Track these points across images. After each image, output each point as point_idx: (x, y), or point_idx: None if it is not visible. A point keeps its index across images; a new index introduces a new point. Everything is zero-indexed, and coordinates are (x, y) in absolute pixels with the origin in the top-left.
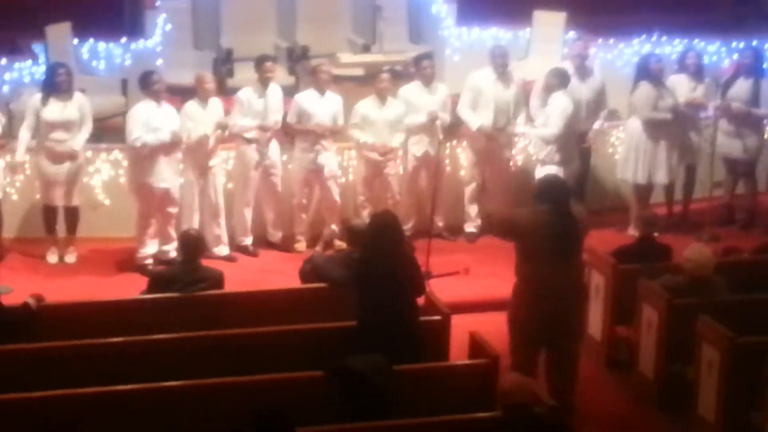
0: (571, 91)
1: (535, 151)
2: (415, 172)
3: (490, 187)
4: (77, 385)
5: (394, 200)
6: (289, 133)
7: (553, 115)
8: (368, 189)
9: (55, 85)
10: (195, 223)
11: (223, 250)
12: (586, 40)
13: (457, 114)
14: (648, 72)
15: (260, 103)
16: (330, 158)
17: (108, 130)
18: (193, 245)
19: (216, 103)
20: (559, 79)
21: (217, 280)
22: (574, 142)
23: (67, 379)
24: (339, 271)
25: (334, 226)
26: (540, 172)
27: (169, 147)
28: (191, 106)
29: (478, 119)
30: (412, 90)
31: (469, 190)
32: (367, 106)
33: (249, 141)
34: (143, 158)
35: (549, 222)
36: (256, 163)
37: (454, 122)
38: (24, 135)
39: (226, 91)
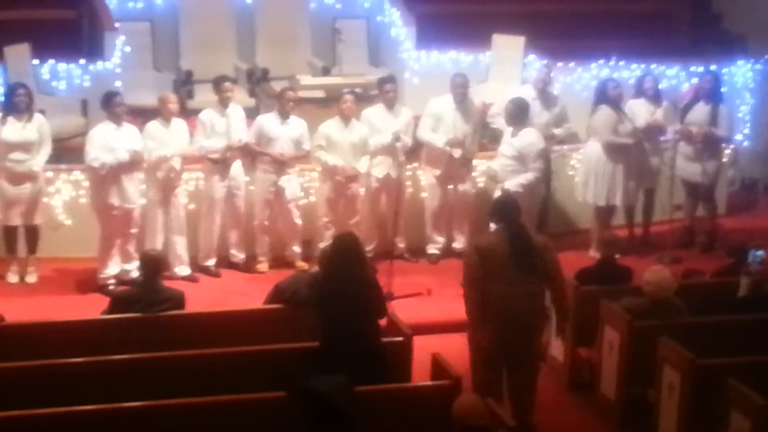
0: (535, 114)
1: (503, 177)
2: (376, 194)
3: (451, 210)
4: (37, 405)
5: (356, 221)
6: (250, 154)
7: (529, 156)
8: (332, 210)
9: (14, 106)
10: (159, 243)
11: (184, 270)
12: (548, 67)
13: (418, 137)
14: (607, 96)
15: (222, 124)
16: (292, 181)
17: (68, 150)
18: (154, 266)
19: (179, 123)
20: (521, 110)
21: (178, 300)
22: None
23: (26, 399)
24: (302, 291)
25: (295, 248)
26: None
27: (129, 167)
28: (153, 126)
29: (441, 137)
30: (375, 113)
31: (430, 212)
32: (331, 127)
33: (215, 162)
34: (104, 179)
35: (503, 239)
36: (220, 183)
37: (416, 145)
38: None
39: (186, 113)
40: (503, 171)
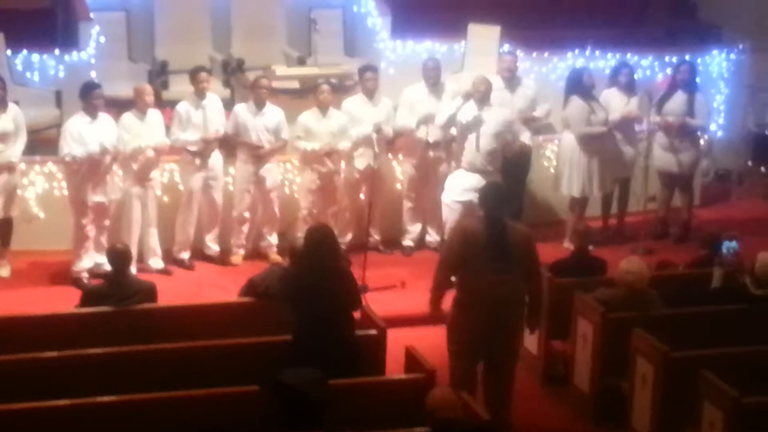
0: (504, 103)
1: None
2: (357, 185)
3: (426, 202)
4: (9, 400)
5: (334, 211)
6: (228, 145)
7: (516, 125)
8: (314, 201)
9: None
10: (135, 236)
11: (157, 262)
12: (514, 54)
13: (396, 128)
14: (580, 86)
15: (198, 115)
16: (273, 170)
17: (42, 142)
18: (121, 259)
19: (155, 114)
20: (487, 86)
21: (149, 292)
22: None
23: None
24: (276, 284)
25: (272, 239)
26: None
27: (101, 161)
28: (128, 117)
29: (414, 119)
30: (355, 102)
31: (407, 204)
32: (309, 117)
33: (192, 153)
34: (79, 172)
35: (482, 229)
36: (198, 175)
37: (395, 135)
38: None
39: (162, 104)
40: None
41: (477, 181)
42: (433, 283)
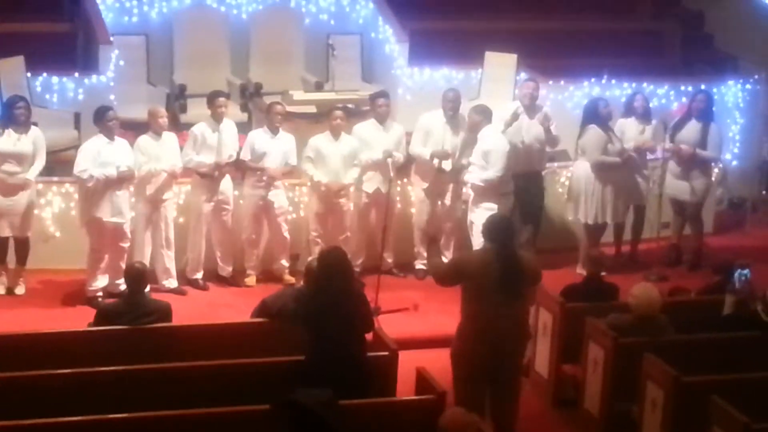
0: (522, 130)
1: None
2: (366, 209)
3: (439, 226)
4: (23, 416)
5: (346, 236)
6: (240, 169)
7: (492, 155)
8: (321, 225)
9: (13, 118)
10: (146, 256)
11: (172, 282)
12: (535, 81)
13: (410, 153)
14: (597, 116)
15: (214, 138)
16: (280, 195)
17: (60, 163)
18: (138, 278)
19: (170, 137)
20: (482, 116)
21: (165, 312)
22: (509, 177)
23: (13, 410)
24: (289, 305)
25: (284, 262)
26: (476, 210)
27: (119, 181)
28: (144, 140)
29: (428, 150)
30: (366, 128)
31: (418, 227)
32: (320, 140)
33: (203, 176)
34: (93, 193)
35: (494, 260)
36: (209, 197)
37: (407, 160)
38: None
39: (179, 127)
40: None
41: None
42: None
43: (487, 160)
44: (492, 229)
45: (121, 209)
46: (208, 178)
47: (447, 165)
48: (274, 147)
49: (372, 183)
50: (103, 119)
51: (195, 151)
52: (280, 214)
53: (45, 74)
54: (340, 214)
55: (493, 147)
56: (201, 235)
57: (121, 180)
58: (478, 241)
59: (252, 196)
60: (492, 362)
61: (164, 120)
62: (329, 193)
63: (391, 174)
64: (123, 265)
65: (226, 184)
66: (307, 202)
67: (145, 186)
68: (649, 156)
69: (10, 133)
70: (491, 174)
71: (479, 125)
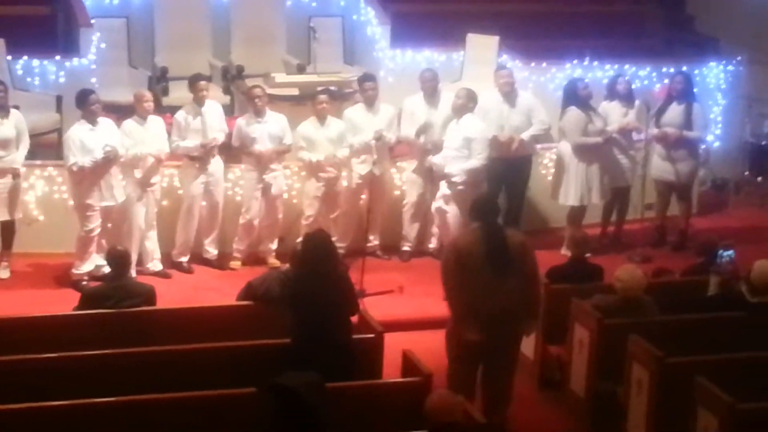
0: (502, 118)
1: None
2: (358, 191)
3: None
4: (6, 400)
5: (336, 215)
6: (234, 153)
7: (475, 143)
8: (317, 207)
9: None
10: (136, 240)
11: (156, 265)
12: (509, 69)
13: (399, 137)
14: (576, 97)
15: (197, 122)
16: (278, 177)
17: (42, 146)
18: (121, 262)
19: (155, 121)
20: (467, 100)
21: (149, 295)
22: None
23: None
24: (274, 289)
25: (271, 244)
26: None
27: (106, 166)
28: (130, 124)
29: (412, 127)
30: (356, 112)
31: (407, 208)
32: (307, 127)
33: (192, 159)
34: (83, 179)
35: (480, 239)
36: (199, 179)
37: (397, 142)
38: None
39: (161, 109)
40: (447, 161)
41: (444, 188)
42: (450, 301)
43: (469, 148)
44: (478, 207)
45: (112, 192)
46: (198, 160)
47: (431, 143)
48: (262, 131)
49: (365, 165)
50: (85, 103)
51: (181, 138)
52: (278, 196)
53: (26, 57)
54: (334, 195)
55: (477, 135)
56: (192, 218)
57: (108, 161)
58: (455, 228)
59: (250, 179)
60: (486, 342)
61: (150, 104)
62: (325, 168)
63: (374, 155)
64: (106, 245)
65: (216, 165)
66: (303, 187)
67: (133, 170)
68: (635, 137)
69: None
70: (475, 163)
71: (464, 109)
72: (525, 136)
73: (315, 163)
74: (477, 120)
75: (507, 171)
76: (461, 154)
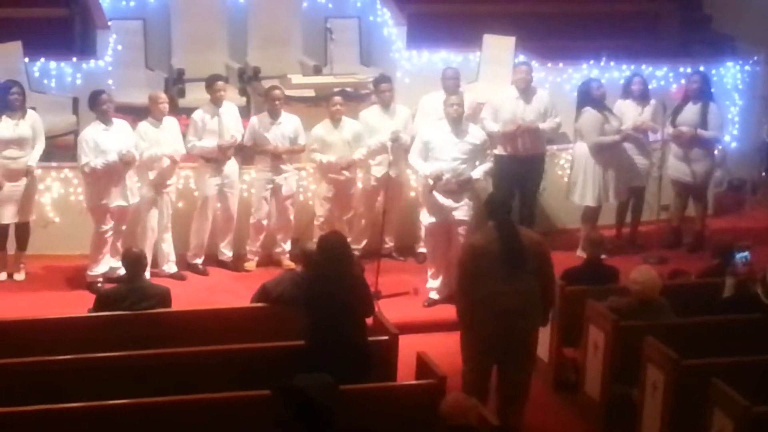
0: (517, 113)
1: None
2: (373, 193)
3: None
4: (23, 402)
5: (351, 216)
6: (248, 154)
7: (484, 146)
8: (327, 210)
9: (8, 103)
10: (150, 242)
11: (171, 267)
12: (528, 65)
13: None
14: (591, 97)
15: (214, 123)
16: (290, 178)
17: (59, 148)
18: (136, 263)
19: (171, 122)
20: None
21: (164, 297)
22: None
23: (13, 396)
24: (289, 290)
25: (285, 246)
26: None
27: (122, 165)
28: (145, 126)
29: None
30: (371, 114)
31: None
32: (322, 130)
33: (208, 160)
34: (98, 180)
35: (495, 237)
36: (214, 181)
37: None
38: None
39: (178, 111)
40: (455, 172)
41: (448, 201)
42: (459, 306)
43: (476, 153)
44: (492, 205)
45: (126, 193)
46: (213, 161)
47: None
48: (276, 132)
49: (381, 167)
50: (97, 103)
51: (197, 137)
52: (288, 197)
53: (43, 59)
54: (347, 196)
55: (481, 137)
56: (206, 219)
57: (125, 164)
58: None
59: (260, 180)
60: (500, 341)
61: (165, 105)
62: (337, 170)
63: (390, 157)
64: (120, 248)
65: (231, 167)
66: (315, 189)
67: (148, 171)
68: (651, 137)
69: (6, 119)
70: (490, 164)
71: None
72: (541, 126)
73: (326, 164)
74: (474, 126)
75: (519, 170)
76: (468, 159)
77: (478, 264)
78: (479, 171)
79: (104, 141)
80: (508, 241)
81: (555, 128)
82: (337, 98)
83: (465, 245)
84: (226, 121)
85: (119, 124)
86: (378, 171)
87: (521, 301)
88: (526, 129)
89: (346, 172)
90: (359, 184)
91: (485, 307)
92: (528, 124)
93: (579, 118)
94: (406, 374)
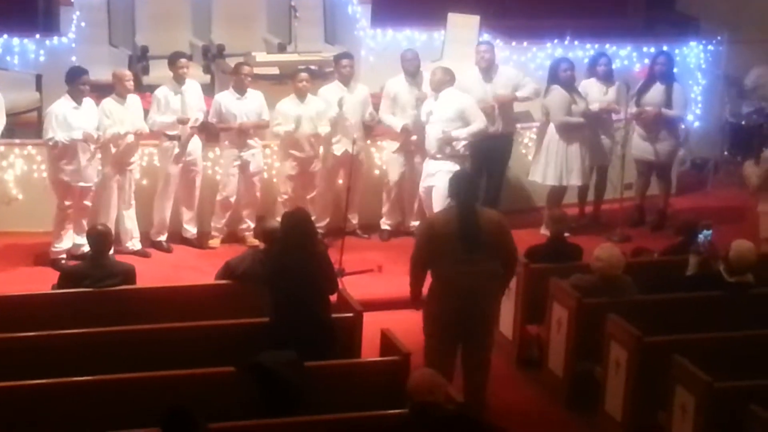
0: (480, 94)
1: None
2: (334, 171)
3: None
4: None
5: (313, 195)
6: (211, 132)
7: (469, 111)
8: (291, 188)
9: None
10: (112, 219)
11: (135, 244)
12: (489, 44)
13: (381, 120)
14: (559, 77)
15: (177, 100)
16: (257, 155)
17: (22, 125)
18: (101, 240)
19: (135, 99)
20: (443, 74)
21: (128, 275)
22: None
23: None
24: (253, 267)
25: (250, 222)
26: (437, 174)
27: (85, 144)
28: (109, 103)
29: (400, 120)
30: (331, 89)
31: (388, 187)
32: (287, 104)
33: (170, 138)
34: (61, 156)
35: (454, 218)
36: (176, 159)
37: (372, 122)
38: None
39: (141, 88)
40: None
41: (435, 167)
42: (410, 279)
43: (464, 118)
44: (457, 184)
45: (89, 172)
46: (176, 139)
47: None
48: (241, 108)
49: (341, 145)
50: (76, 81)
51: (159, 114)
52: (256, 173)
53: (5, 36)
54: (310, 175)
55: (466, 103)
56: (168, 197)
57: (88, 143)
58: (439, 206)
59: (227, 157)
60: (460, 321)
61: (130, 83)
62: (300, 146)
63: (354, 135)
64: (85, 224)
65: (194, 145)
66: (279, 167)
67: (111, 149)
68: (614, 117)
69: None
70: (480, 124)
71: (444, 85)
72: (518, 95)
73: (289, 140)
74: (458, 92)
75: (488, 149)
76: (454, 126)
77: (435, 242)
78: (463, 130)
79: (74, 118)
80: (466, 222)
81: (533, 93)
82: (303, 74)
83: (425, 221)
84: (189, 98)
85: (87, 103)
86: (338, 149)
87: (478, 283)
88: (502, 101)
89: (307, 148)
90: (319, 163)
91: (444, 285)
92: (502, 96)
93: (547, 95)
94: (370, 351)
